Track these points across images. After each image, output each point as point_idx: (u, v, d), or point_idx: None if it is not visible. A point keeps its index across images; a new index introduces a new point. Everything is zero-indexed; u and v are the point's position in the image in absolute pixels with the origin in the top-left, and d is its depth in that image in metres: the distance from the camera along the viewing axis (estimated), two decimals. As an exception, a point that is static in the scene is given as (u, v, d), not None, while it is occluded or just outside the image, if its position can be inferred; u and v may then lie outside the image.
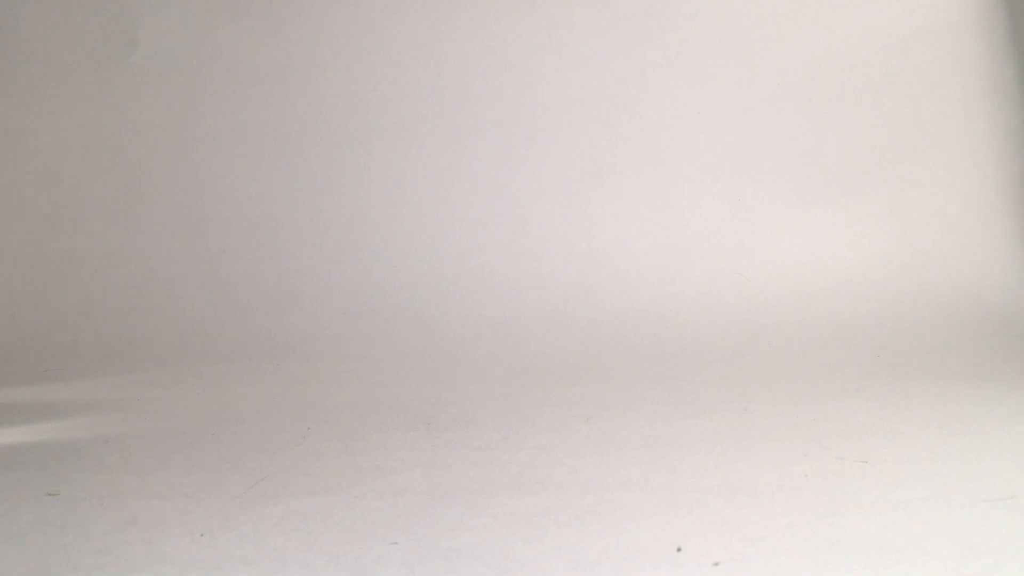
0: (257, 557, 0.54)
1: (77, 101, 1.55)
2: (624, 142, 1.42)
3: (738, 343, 1.17)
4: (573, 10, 1.44)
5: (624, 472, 0.67)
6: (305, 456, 0.75)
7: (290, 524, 0.59)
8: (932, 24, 1.33)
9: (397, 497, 0.63)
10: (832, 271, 1.31)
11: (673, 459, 0.70)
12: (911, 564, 0.49)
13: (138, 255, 1.50)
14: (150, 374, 1.17)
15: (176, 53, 1.53)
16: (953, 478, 0.62)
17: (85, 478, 0.71)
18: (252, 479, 0.69)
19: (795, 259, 1.33)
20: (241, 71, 1.52)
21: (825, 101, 1.36)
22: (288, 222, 1.49)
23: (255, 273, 1.46)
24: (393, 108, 1.49)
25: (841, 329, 1.19)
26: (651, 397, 0.92)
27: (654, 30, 1.41)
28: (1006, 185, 1.30)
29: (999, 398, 0.85)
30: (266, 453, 0.76)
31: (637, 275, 1.36)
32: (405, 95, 1.48)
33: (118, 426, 0.88)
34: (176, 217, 1.52)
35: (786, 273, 1.32)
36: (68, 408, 0.97)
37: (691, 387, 0.96)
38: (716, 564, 0.50)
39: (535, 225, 1.43)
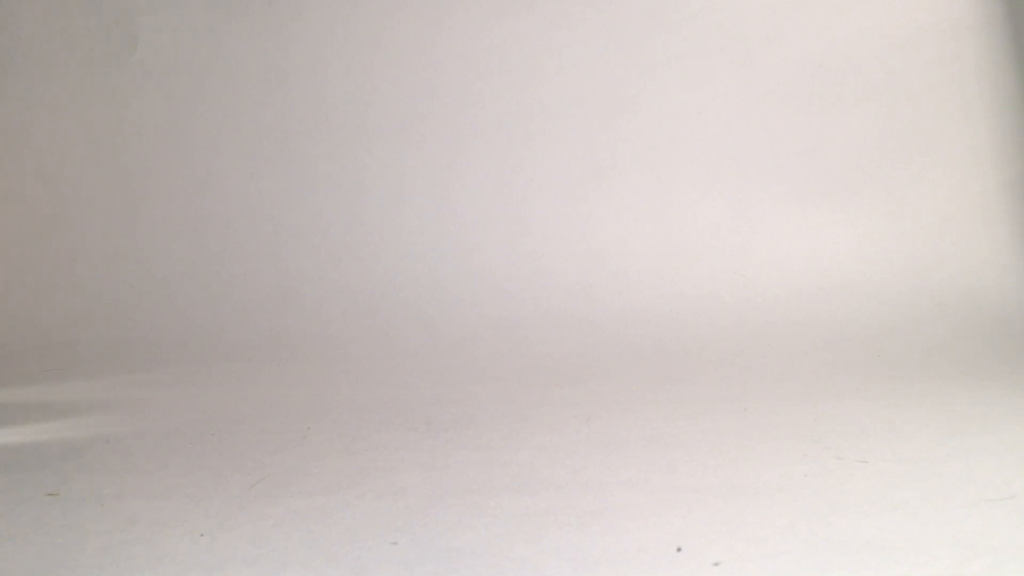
0: (257, 557, 0.54)
1: (77, 101, 1.55)
2: (624, 142, 1.42)
3: (738, 343, 1.17)
4: (573, 10, 1.44)
5: (624, 472, 0.67)
6: (305, 456, 0.75)
7: (290, 524, 0.59)
8: (932, 24, 1.33)
9: (397, 497, 0.63)
10: (832, 271, 1.31)
11: (673, 459, 0.70)
12: (911, 564, 0.49)
13: (138, 255, 1.50)
14: (150, 374, 1.17)
15: (176, 53, 1.53)
16: (953, 478, 0.62)
17: (85, 478, 0.71)
18: (252, 479, 0.69)
19: (795, 259, 1.33)
20: (241, 71, 1.52)
21: (825, 101, 1.36)
22: (288, 222, 1.49)
23: (255, 273, 1.46)
24: (393, 108, 1.48)
25: (841, 329, 1.19)
26: (651, 397, 0.92)
27: (654, 30, 1.41)
28: (1006, 185, 1.30)
29: (999, 398, 0.85)
30: (266, 453, 0.76)
31: (637, 275, 1.36)
32: (405, 95, 1.48)
33: (118, 426, 0.88)
34: (176, 217, 1.52)
35: (786, 273, 1.32)
36: (68, 408, 0.97)
37: (691, 387, 0.96)
38: (716, 564, 0.50)
39: (535, 225, 1.43)
